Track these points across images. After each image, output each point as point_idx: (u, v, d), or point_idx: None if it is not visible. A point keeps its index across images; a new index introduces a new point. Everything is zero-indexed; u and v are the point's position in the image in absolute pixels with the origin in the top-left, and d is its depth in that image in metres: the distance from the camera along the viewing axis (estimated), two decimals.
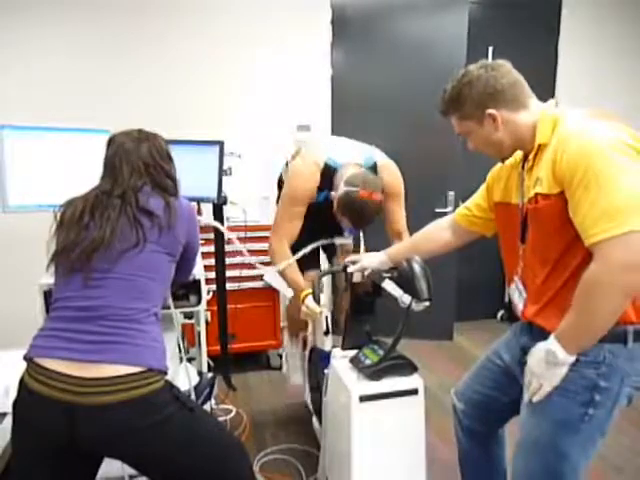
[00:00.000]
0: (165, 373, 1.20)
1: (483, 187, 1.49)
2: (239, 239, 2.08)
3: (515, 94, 1.20)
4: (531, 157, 1.21)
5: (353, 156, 1.96)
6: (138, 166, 1.31)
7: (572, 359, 1.11)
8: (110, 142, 1.36)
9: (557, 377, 1.13)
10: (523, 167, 1.25)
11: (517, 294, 1.32)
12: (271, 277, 2.90)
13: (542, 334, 1.19)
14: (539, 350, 1.15)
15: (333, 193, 1.89)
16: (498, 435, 1.54)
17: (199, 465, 1.20)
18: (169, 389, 1.19)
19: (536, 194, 1.15)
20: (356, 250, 2.19)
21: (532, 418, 1.24)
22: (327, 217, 1.93)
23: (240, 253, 2.09)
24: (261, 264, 2.08)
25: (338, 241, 2.09)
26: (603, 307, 1.02)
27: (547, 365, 1.13)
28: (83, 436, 1.11)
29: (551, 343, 1.11)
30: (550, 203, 1.12)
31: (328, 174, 1.92)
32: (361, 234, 2.29)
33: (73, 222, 1.22)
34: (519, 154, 1.27)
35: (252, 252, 2.82)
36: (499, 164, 1.39)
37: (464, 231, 1.56)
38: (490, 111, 1.19)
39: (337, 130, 3.43)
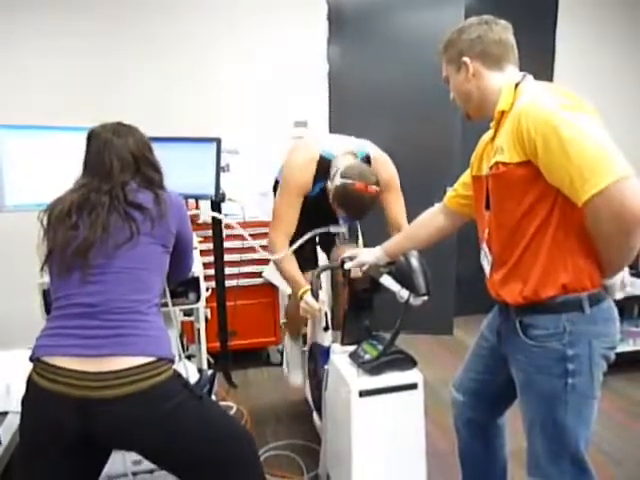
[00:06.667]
0: (173, 361, 1.21)
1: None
2: (238, 236, 2.08)
3: (495, 53, 1.24)
4: (493, 125, 1.23)
5: (347, 148, 1.97)
6: (128, 160, 1.30)
7: None
8: (91, 137, 1.33)
9: None
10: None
11: (485, 259, 1.36)
12: (271, 274, 2.90)
13: (509, 314, 1.24)
14: None
15: (329, 183, 1.90)
16: (498, 425, 1.54)
17: (209, 451, 1.21)
18: (178, 377, 1.21)
19: (497, 162, 1.18)
20: (353, 243, 2.19)
21: (523, 400, 1.28)
22: (322, 208, 1.94)
23: (241, 237, 2.12)
24: (261, 247, 2.10)
25: (333, 229, 2.09)
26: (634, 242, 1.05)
27: None
28: (99, 430, 1.12)
29: None
30: (508, 170, 1.15)
31: (323, 165, 1.93)
32: (359, 228, 2.28)
33: (61, 221, 1.22)
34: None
35: (252, 249, 2.84)
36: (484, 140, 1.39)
37: (455, 214, 1.56)
38: (464, 59, 1.25)
39: (334, 126, 3.42)
